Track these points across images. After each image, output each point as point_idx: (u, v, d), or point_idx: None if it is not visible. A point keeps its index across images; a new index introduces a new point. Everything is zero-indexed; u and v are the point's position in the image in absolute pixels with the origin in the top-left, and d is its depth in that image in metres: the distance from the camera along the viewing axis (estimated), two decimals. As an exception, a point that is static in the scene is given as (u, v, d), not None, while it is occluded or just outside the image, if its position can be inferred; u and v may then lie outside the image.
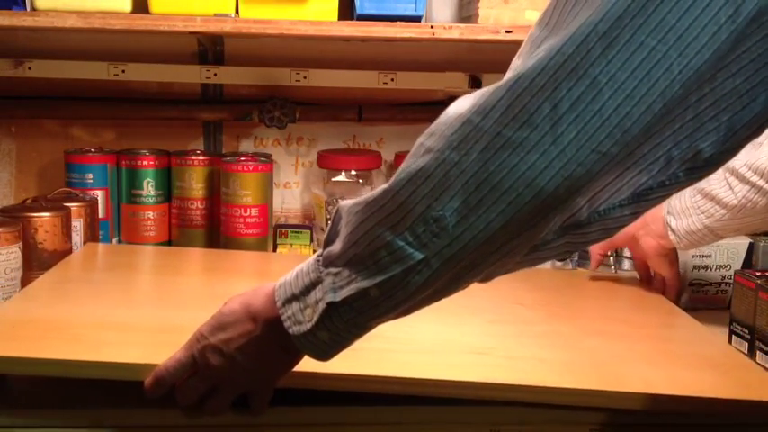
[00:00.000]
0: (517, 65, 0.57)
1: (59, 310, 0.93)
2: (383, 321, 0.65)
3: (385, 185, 0.60)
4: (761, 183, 0.99)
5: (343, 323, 0.64)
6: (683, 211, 1.06)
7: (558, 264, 1.31)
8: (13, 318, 0.89)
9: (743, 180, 1.00)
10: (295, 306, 0.66)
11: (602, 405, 0.81)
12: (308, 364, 0.72)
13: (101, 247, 1.27)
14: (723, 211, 1.03)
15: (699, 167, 0.57)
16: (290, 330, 0.66)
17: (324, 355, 0.67)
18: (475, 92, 0.57)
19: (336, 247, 0.64)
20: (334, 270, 0.64)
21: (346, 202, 0.64)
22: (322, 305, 0.64)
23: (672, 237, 1.10)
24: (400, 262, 0.59)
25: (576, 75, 0.52)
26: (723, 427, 0.83)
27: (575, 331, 0.99)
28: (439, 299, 0.63)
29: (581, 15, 0.53)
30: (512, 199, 0.55)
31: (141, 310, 0.97)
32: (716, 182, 1.03)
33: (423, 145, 0.59)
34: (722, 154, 0.57)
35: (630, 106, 0.52)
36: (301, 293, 0.66)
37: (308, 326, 0.65)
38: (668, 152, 0.56)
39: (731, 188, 1.01)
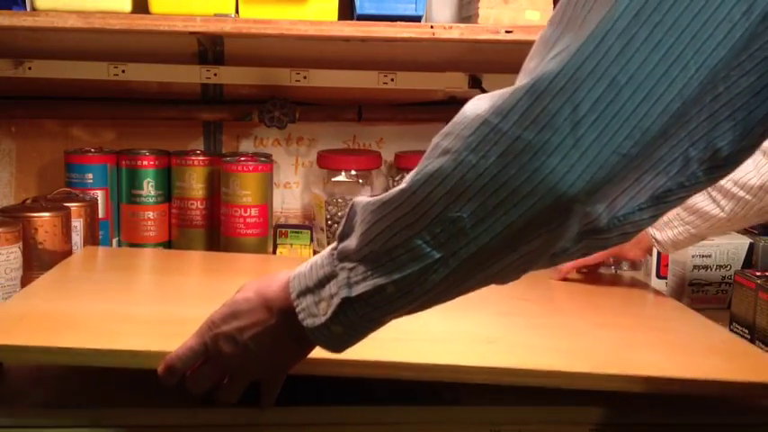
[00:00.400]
0: (531, 67, 0.56)
1: (65, 305, 0.93)
2: (397, 317, 0.65)
3: (401, 185, 0.60)
4: (748, 197, 1.00)
5: (358, 318, 0.64)
6: (667, 224, 1.08)
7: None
8: (19, 312, 0.89)
9: (728, 195, 1.01)
10: (309, 299, 0.66)
11: (613, 389, 0.81)
12: (317, 351, 0.71)
13: (100, 250, 1.27)
14: (709, 223, 1.05)
15: (718, 166, 0.57)
16: (304, 323, 0.66)
17: (337, 347, 0.67)
18: (493, 92, 0.57)
19: (352, 242, 0.64)
20: (349, 265, 0.63)
21: (361, 199, 0.64)
22: (337, 300, 0.64)
23: (657, 247, 1.12)
24: (417, 260, 0.59)
25: (596, 75, 0.52)
26: (724, 427, 0.84)
27: (581, 323, 1.00)
28: (455, 296, 0.63)
29: (594, 12, 0.53)
30: (532, 203, 0.54)
31: (145, 306, 0.97)
32: (698, 196, 1.04)
33: (439, 145, 0.58)
34: (740, 152, 0.57)
35: (649, 106, 0.52)
36: (315, 287, 0.66)
37: (323, 319, 0.65)
38: (685, 152, 0.56)
39: (717, 203, 1.03)
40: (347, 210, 0.66)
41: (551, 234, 0.56)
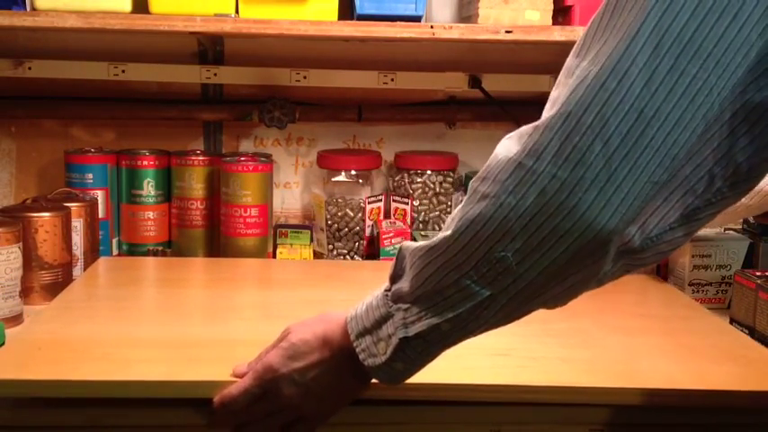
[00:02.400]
0: (554, 97, 0.57)
1: (81, 330, 0.93)
2: (444, 348, 0.67)
3: (446, 232, 0.62)
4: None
5: (417, 354, 0.66)
6: None
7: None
8: (39, 339, 0.89)
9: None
10: (368, 339, 0.69)
11: (626, 403, 0.81)
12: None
13: (108, 261, 1.27)
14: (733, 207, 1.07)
15: (742, 181, 0.59)
16: (366, 362, 0.69)
17: (396, 381, 0.70)
18: (520, 131, 0.58)
19: (404, 284, 0.66)
20: (404, 306, 0.66)
21: (409, 244, 0.67)
22: (395, 340, 0.66)
23: None
24: (468, 299, 0.61)
25: (623, 110, 0.53)
26: (726, 427, 0.84)
27: (593, 328, 1.00)
28: (507, 323, 0.65)
29: (609, 44, 0.54)
30: (573, 238, 0.56)
31: (158, 326, 0.97)
32: None
33: (477, 191, 0.60)
34: (761, 164, 0.58)
35: (678, 134, 0.53)
36: (373, 327, 0.68)
37: (383, 358, 0.68)
38: (710, 170, 0.58)
39: None
40: (396, 253, 0.69)
41: (595, 264, 0.58)
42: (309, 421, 0.77)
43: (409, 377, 0.70)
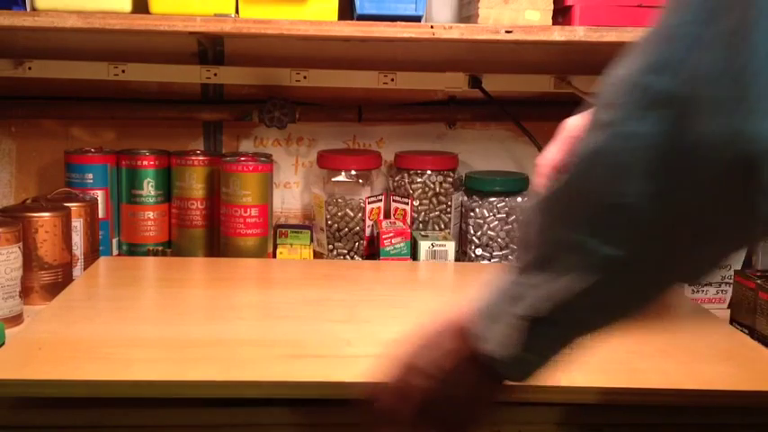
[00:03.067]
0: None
1: (81, 330, 0.94)
2: (581, 336, 0.61)
3: (562, 175, 0.55)
4: None
5: (538, 337, 0.59)
6: None
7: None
8: (39, 339, 0.89)
9: None
10: (485, 322, 0.62)
11: (626, 402, 0.81)
12: (320, 373, 0.71)
13: (109, 260, 1.28)
14: None
15: None
16: (485, 349, 0.61)
17: (523, 375, 0.63)
18: (632, 48, 0.51)
19: (524, 253, 0.59)
20: (524, 280, 0.59)
21: (526, 204, 0.62)
22: (514, 319, 0.59)
23: None
24: (586, 261, 0.54)
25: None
26: (726, 427, 0.84)
27: None
28: (640, 305, 0.58)
29: None
30: (711, 160, 0.46)
31: (158, 326, 0.97)
32: None
33: (597, 120, 0.52)
34: None
35: None
36: (490, 309, 0.62)
37: (494, 344, 0.61)
38: None
39: None
40: (522, 220, 0.61)
41: (745, 200, 0.46)
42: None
43: (532, 371, 0.62)
